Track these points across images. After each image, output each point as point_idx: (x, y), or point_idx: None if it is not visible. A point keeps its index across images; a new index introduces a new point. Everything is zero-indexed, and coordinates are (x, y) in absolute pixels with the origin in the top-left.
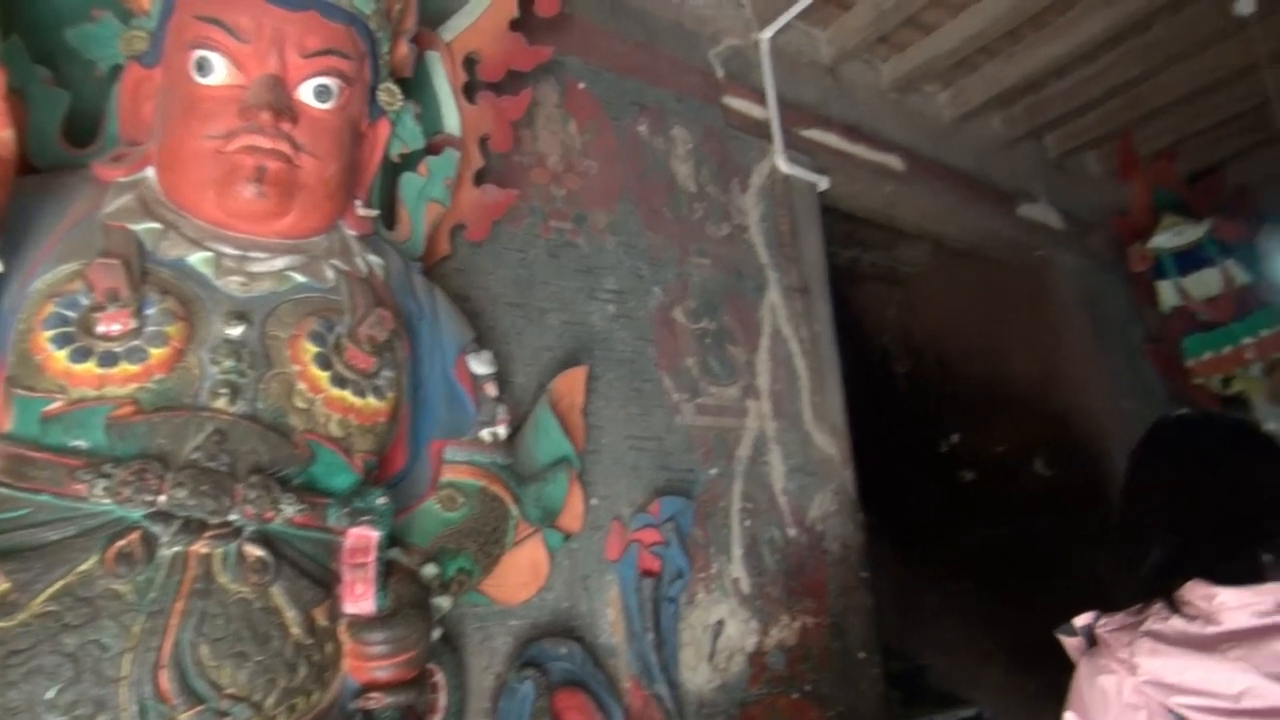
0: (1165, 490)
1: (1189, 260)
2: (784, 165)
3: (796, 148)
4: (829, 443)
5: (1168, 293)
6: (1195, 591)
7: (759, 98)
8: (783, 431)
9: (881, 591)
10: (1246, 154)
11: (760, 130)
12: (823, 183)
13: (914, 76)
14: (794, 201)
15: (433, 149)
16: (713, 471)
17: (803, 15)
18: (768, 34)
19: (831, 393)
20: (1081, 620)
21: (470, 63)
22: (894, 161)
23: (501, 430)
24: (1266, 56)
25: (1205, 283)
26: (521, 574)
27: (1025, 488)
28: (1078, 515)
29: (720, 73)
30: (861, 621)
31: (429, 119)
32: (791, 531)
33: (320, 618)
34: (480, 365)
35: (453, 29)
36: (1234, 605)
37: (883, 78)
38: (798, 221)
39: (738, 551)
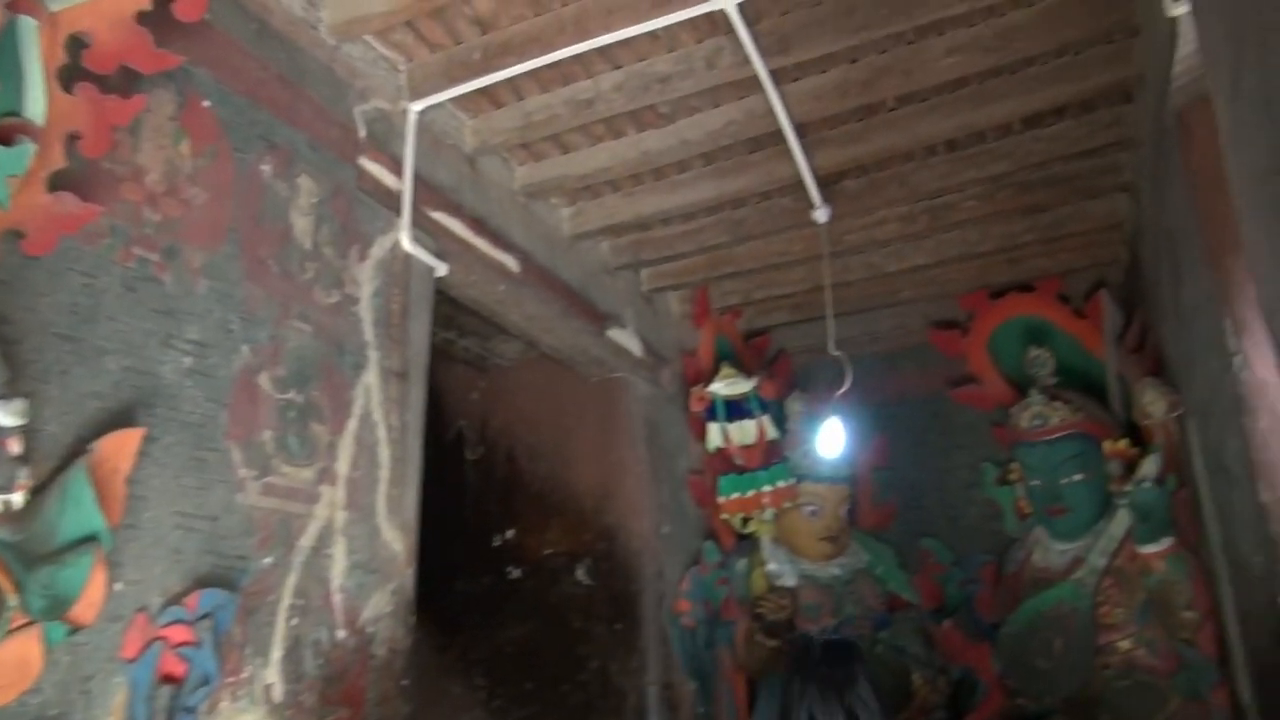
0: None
1: (736, 409)
2: (408, 243)
3: (423, 227)
4: (398, 539)
5: (715, 434)
6: None
7: (396, 168)
8: (353, 523)
9: (412, 680)
10: (795, 326)
11: (391, 201)
12: (442, 268)
13: (545, 188)
14: (411, 282)
15: (1, 135)
16: (267, 561)
17: (456, 99)
18: (418, 106)
19: (410, 486)
20: None
21: (76, 45)
22: (511, 263)
23: (16, 498)
24: (827, 254)
25: (745, 432)
26: (2, 674)
27: (565, 593)
28: (606, 627)
29: (362, 132)
30: None
31: (4, 96)
32: (340, 633)
33: None
34: (4, 415)
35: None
36: None
37: (516, 180)
38: (410, 303)
39: (277, 654)
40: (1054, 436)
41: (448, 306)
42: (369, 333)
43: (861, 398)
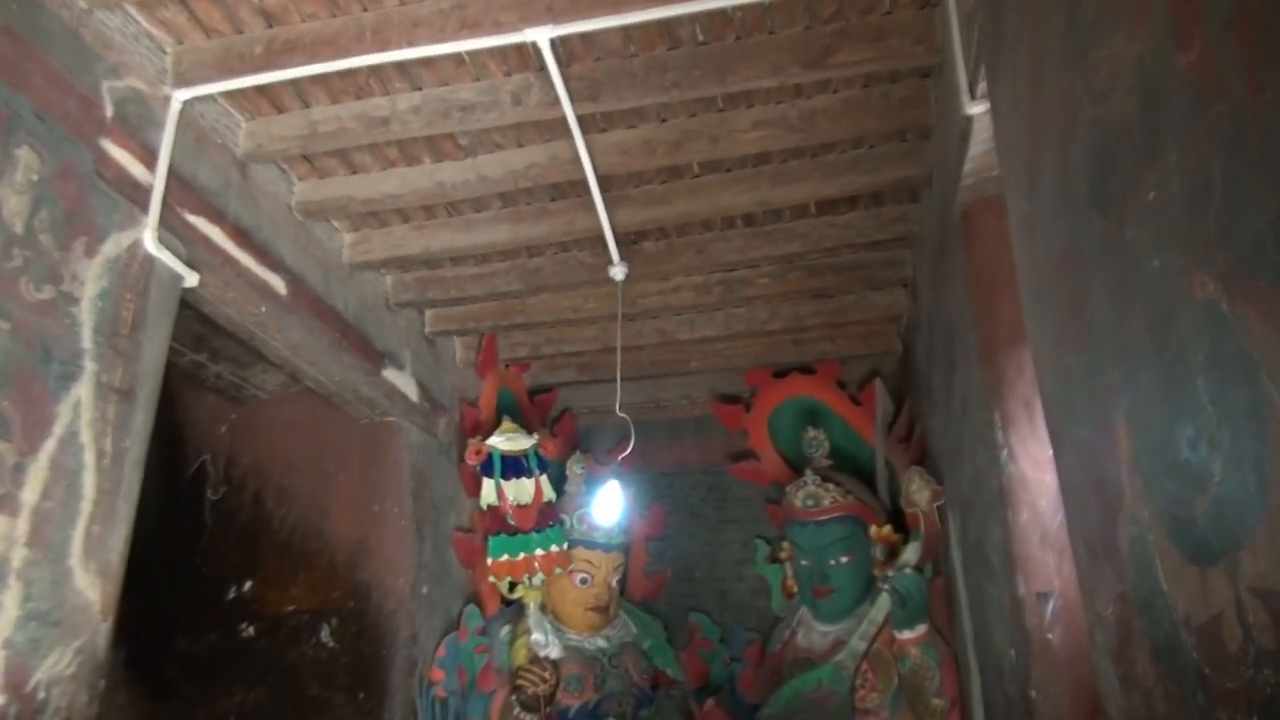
0: None
1: (514, 466)
2: (152, 245)
3: (174, 230)
4: (94, 585)
5: (489, 490)
6: None
7: (149, 159)
8: (34, 564)
9: None
10: (581, 386)
11: (137, 195)
12: (192, 278)
13: (325, 208)
14: (150, 289)
15: None
16: None
17: (230, 94)
18: (183, 94)
19: (119, 524)
20: None
21: None
22: (279, 284)
23: None
24: (621, 313)
25: (521, 490)
26: None
27: (304, 655)
28: (348, 695)
29: (109, 111)
30: None
31: None
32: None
33: None
34: None
35: None
36: None
37: (294, 195)
38: (147, 313)
39: None
40: (825, 518)
41: (200, 325)
42: (87, 339)
43: (641, 464)
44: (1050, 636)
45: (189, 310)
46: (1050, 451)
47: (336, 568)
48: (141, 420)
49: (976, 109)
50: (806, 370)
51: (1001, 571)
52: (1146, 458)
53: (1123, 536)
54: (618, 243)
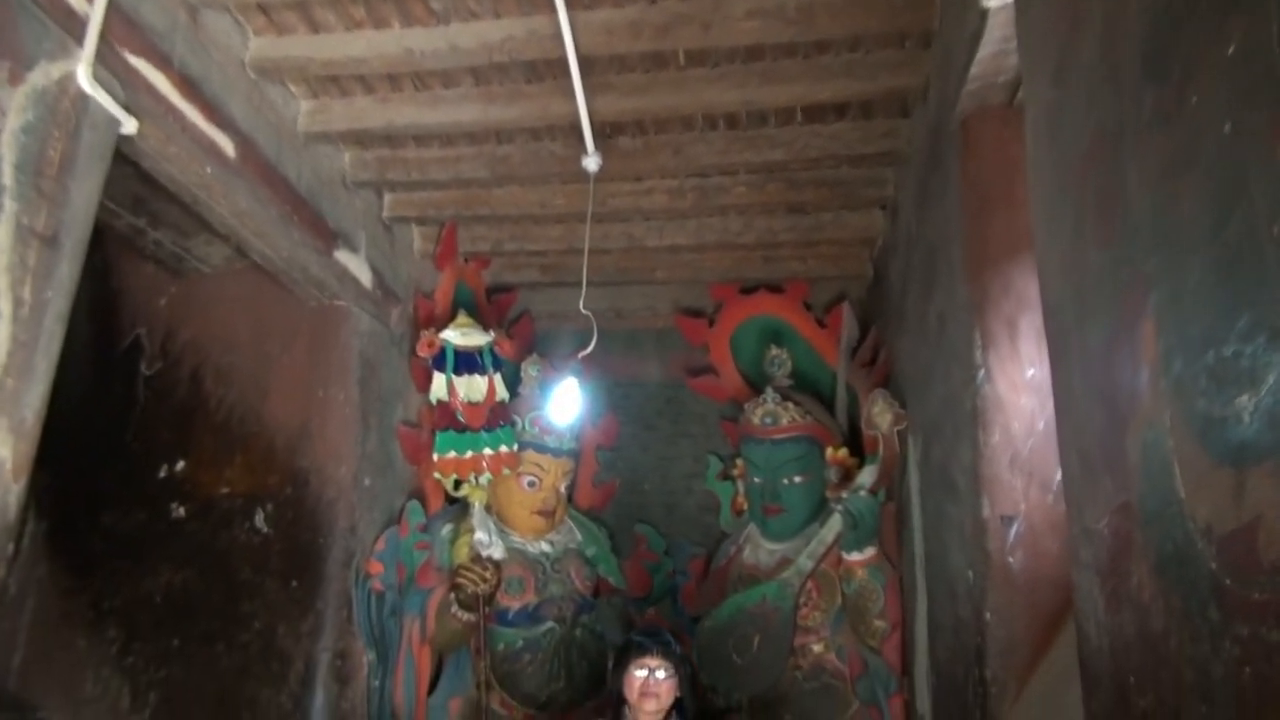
0: None
1: (467, 362)
2: (86, 81)
3: (112, 70)
4: (4, 443)
5: (440, 385)
6: None
7: None
8: None
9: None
10: (542, 290)
11: (71, 24)
12: (130, 125)
13: (283, 68)
14: (82, 130)
15: None
16: None
17: None
18: None
19: (35, 381)
20: None
21: None
22: (226, 144)
23: None
24: (592, 208)
25: (474, 387)
26: None
27: (236, 540)
28: (280, 582)
29: None
30: None
31: None
32: None
33: None
34: None
35: None
36: None
37: (249, 50)
38: (77, 156)
39: None
40: (781, 436)
41: (140, 186)
42: (7, 175)
43: (598, 373)
44: (1011, 560)
45: (128, 167)
46: (1029, 373)
47: (275, 452)
48: (67, 272)
49: (994, 2)
50: (774, 288)
51: (967, 494)
52: (1179, 356)
53: (1132, 445)
54: (594, 135)
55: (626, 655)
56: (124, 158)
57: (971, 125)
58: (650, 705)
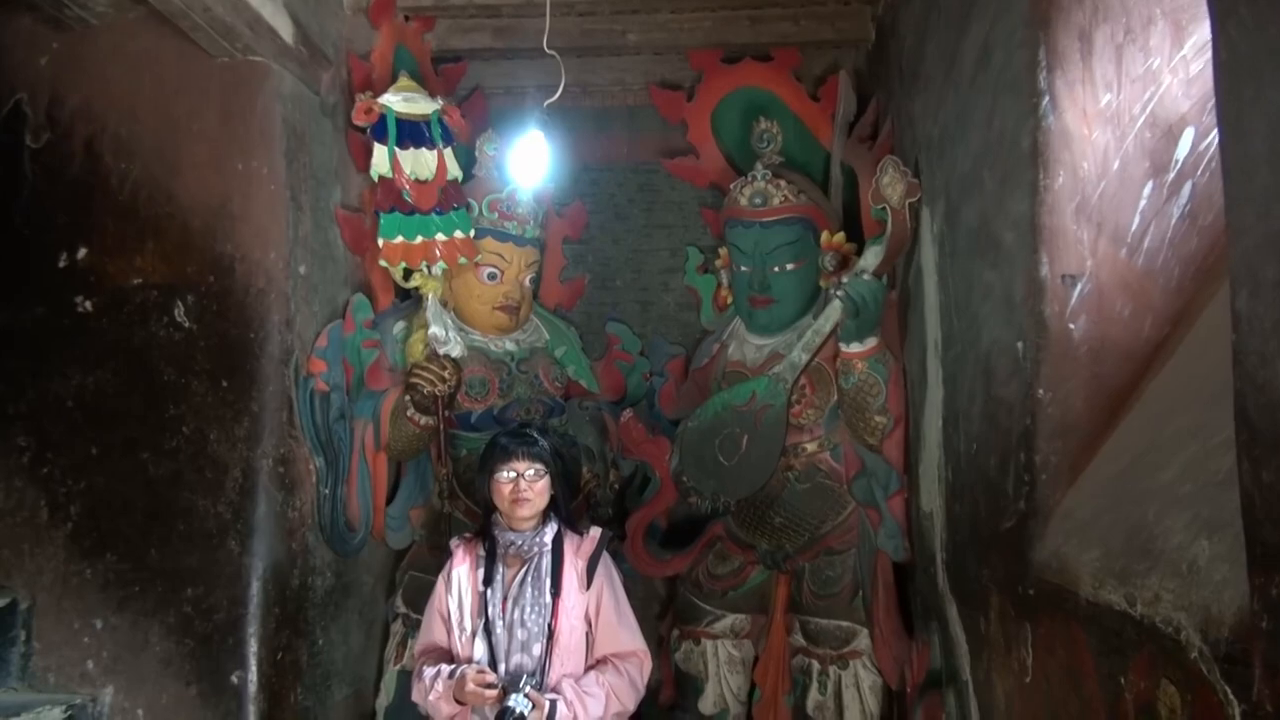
0: None
1: (412, 133)
2: None
3: None
4: None
5: (381, 158)
6: None
7: None
8: None
9: None
10: (495, 63)
11: None
12: None
13: None
14: None
15: None
16: None
17: None
18: None
19: None
20: None
21: None
22: None
23: None
24: None
25: (420, 163)
26: None
27: (155, 336)
28: (209, 383)
29: None
30: None
31: None
32: None
33: None
34: None
35: None
36: None
37: None
38: None
39: None
40: (772, 218)
41: None
42: None
43: (563, 157)
44: (1072, 327)
45: None
46: (1104, 100)
47: (191, 236)
48: None
49: None
50: (761, 57)
51: (1018, 252)
52: None
53: None
54: None
55: (490, 459)
56: None
57: None
58: (524, 511)
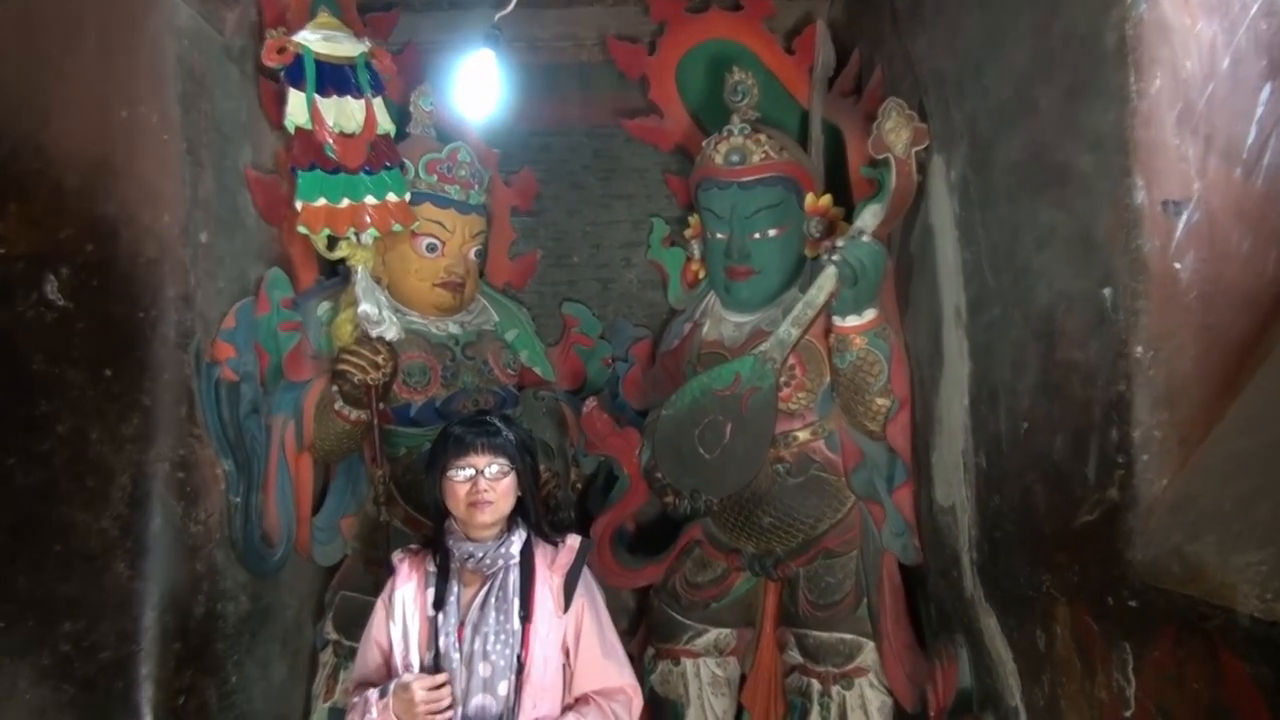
0: None
1: (335, 79)
2: None
3: None
4: None
5: (298, 106)
6: None
7: None
8: None
9: None
10: (427, 13)
11: None
12: None
13: None
14: None
15: None
16: None
17: None
18: None
19: None
20: None
21: None
22: None
23: None
24: None
25: (345, 113)
26: None
27: (23, 317)
28: (89, 373)
29: None
30: None
31: None
32: None
33: None
34: None
35: None
36: None
37: None
38: None
39: None
40: (751, 178)
41: None
42: None
43: (511, 120)
44: (1178, 266)
45: None
46: None
47: (65, 196)
48: None
49: None
50: (730, 6)
51: (1099, 178)
52: None
53: None
54: None
55: (441, 454)
56: None
57: None
58: (484, 516)
